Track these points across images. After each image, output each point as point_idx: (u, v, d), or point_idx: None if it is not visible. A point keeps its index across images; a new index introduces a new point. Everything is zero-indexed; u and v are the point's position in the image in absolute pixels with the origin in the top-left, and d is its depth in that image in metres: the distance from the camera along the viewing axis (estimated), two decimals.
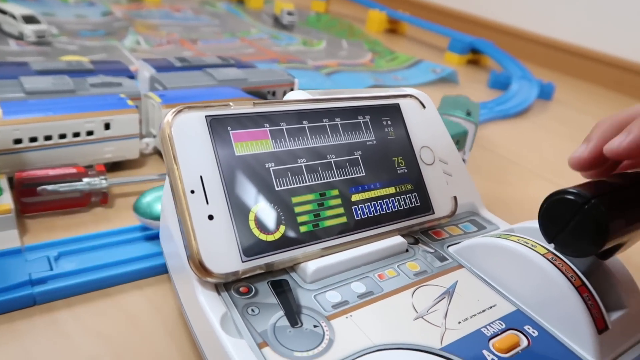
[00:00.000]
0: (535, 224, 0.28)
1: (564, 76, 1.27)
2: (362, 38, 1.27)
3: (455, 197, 0.33)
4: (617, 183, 0.25)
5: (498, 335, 0.24)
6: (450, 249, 0.30)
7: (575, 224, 0.23)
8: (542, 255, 0.26)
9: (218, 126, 0.26)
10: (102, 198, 0.40)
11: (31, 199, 0.37)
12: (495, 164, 0.64)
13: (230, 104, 0.27)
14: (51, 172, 0.38)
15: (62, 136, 0.42)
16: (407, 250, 0.30)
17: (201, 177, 0.24)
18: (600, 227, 0.22)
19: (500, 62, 1.09)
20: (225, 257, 0.24)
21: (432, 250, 0.30)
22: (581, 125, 0.89)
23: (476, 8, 1.52)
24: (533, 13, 1.37)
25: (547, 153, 0.72)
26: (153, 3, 1.28)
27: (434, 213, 0.32)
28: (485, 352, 0.23)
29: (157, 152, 0.51)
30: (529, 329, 0.25)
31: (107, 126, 0.44)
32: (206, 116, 0.26)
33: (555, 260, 0.25)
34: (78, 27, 0.96)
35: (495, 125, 0.79)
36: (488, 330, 0.24)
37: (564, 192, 0.23)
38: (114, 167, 0.47)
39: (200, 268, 0.23)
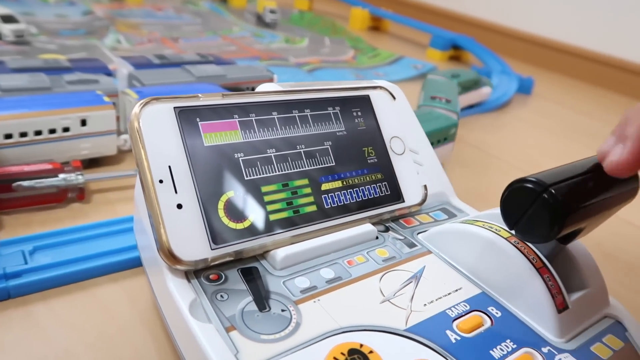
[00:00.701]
0: (499, 210, 0.28)
1: (543, 70, 1.29)
2: (344, 35, 1.28)
3: (425, 186, 0.34)
4: (576, 171, 0.25)
5: (462, 316, 0.25)
6: (420, 236, 0.31)
7: (533, 212, 0.24)
8: (505, 239, 0.26)
9: (186, 117, 0.26)
10: (79, 194, 0.41)
11: (7, 195, 0.38)
12: (475, 157, 0.65)
13: (199, 95, 0.27)
14: (26, 168, 0.38)
15: (38, 133, 0.42)
16: (377, 238, 0.30)
17: (170, 167, 0.25)
18: (556, 214, 0.23)
19: (480, 57, 1.10)
20: (194, 245, 0.24)
21: (401, 238, 0.31)
22: (559, 118, 0.91)
23: (457, 4, 1.53)
24: (512, 9, 1.39)
25: (526, 145, 0.74)
26: (135, 2, 1.27)
27: (404, 201, 0.32)
28: (448, 332, 0.24)
29: None
30: (492, 309, 0.26)
31: (83, 122, 0.44)
32: (174, 107, 0.26)
33: (518, 243, 0.26)
34: (58, 27, 0.96)
35: (475, 119, 0.80)
36: (452, 311, 0.25)
37: (523, 180, 0.24)
38: (91, 163, 0.47)
39: (169, 256, 0.23)
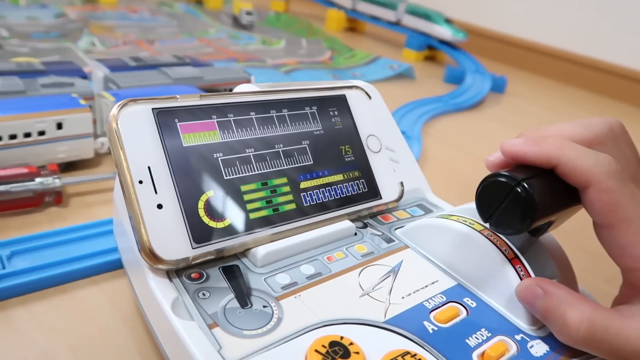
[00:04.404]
0: (474, 205, 0.29)
1: (515, 69, 1.32)
2: (321, 37, 1.29)
3: (402, 183, 0.34)
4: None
5: (439, 307, 0.26)
6: (397, 231, 0.32)
7: (507, 204, 0.24)
8: (479, 232, 0.27)
9: (165, 118, 0.26)
10: (56, 197, 0.40)
11: None
12: (449, 154, 0.67)
13: (177, 97, 0.27)
14: (2, 172, 0.38)
15: (13, 137, 0.41)
16: (355, 234, 0.31)
17: (149, 167, 0.25)
18: (528, 207, 0.24)
19: (455, 57, 1.12)
20: (175, 244, 0.24)
21: (379, 233, 0.31)
22: (531, 115, 0.93)
23: (431, 4, 1.56)
24: (485, 9, 1.42)
25: (499, 143, 0.75)
26: (108, 4, 1.26)
27: (381, 198, 0.33)
28: (426, 322, 0.24)
29: None
30: (468, 300, 0.26)
31: (59, 126, 0.43)
32: (153, 109, 0.26)
33: (491, 236, 0.27)
34: (30, 29, 0.94)
35: (450, 117, 0.82)
36: (429, 303, 0.26)
37: (497, 174, 0.25)
38: (69, 167, 0.46)
39: (151, 255, 0.24)
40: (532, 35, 1.32)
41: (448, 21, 1.17)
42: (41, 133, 0.43)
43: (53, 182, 0.39)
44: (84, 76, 0.55)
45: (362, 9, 1.37)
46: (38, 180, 0.39)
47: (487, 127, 0.81)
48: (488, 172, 0.27)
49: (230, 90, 0.61)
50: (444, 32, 1.15)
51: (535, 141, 0.24)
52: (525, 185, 0.23)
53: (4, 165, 0.41)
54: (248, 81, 0.62)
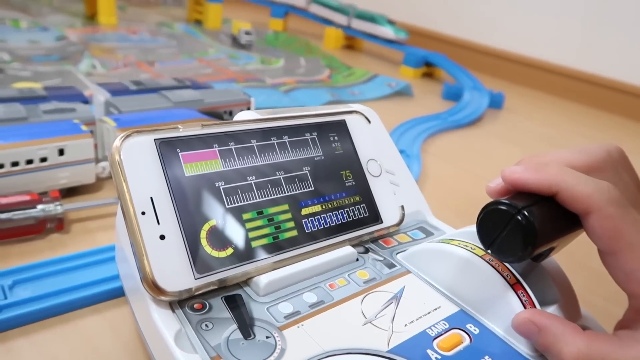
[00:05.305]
0: (474, 228, 0.29)
1: (512, 85, 1.33)
2: (319, 55, 1.30)
3: (402, 206, 0.35)
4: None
5: (442, 335, 0.26)
6: (399, 256, 0.32)
7: (508, 232, 0.24)
8: (480, 257, 0.27)
9: (167, 149, 0.27)
10: (58, 224, 0.40)
11: None
12: (449, 173, 0.67)
13: (179, 126, 0.28)
14: (3, 200, 0.38)
15: (15, 164, 0.41)
16: (357, 260, 0.31)
17: (151, 198, 0.25)
18: (529, 235, 0.24)
19: (452, 74, 1.13)
20: (178, 275, 0.24)
21: (381, 258, 0.31)
22: (530, 131, 0.93)
23: (428, 22, 1.57)
24: (482, 26, 1.43)
25: (499, 160, 0.76)
26: (109, 26, 1.27)
27: (382, 222, 0.33)
28: (429, 351, 0.24)
29: None
30: (470, 327, 0.26)
31: (61, 152, 0.44)
32: (155, 139, 0.26)
33: (492, 261, 0.27)
34: (31, 53, 0.95)
35: (449, 135, 0.82)
36: (432, 330, 0.26)
37: (497, 202, 0.25)
38: (70, 192, 0.47)
39: (154, 287, 0.24)
40: (528, 51, 1.34)
41: (391, 22, 1.33)
42: (43, 159, 0.43)
43: (55, 208, 0.40)
44: (85, 101, 0.55)
45: (316, 11, 1.50)
46: (40, 207, 0.39)
47: (486, 144, 0.82)
48: (487, 191, 0.27)
49: (231, 112, 0.61)
50: (387, 32, 1.30)
51: (536, 168, 0.25)
52: (526, 214, 0.23)
53: (5, 192, 0.41)
54: (248, 103, 0.62)
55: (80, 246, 0.39)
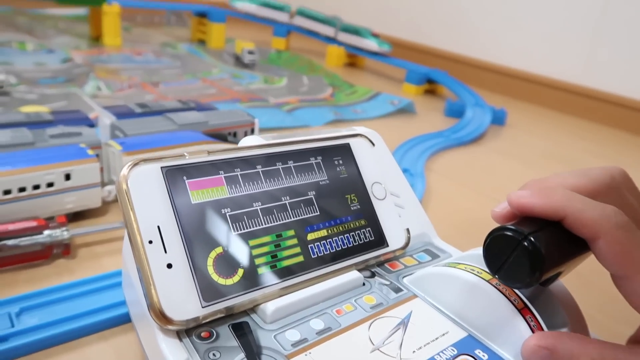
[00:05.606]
0: (480, 251, 0.29)
1: (513, 100, 1.33)
2: (321, 73, 1.31)
3: (408, 229, 0.35)
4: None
5: None
6: (405, 279, 0.32)
7: (515, 259, 0.24)
8: (487, 281, 0.27)
9: (173, 176, 0.27)
10: (64, 249, 0.41)
11: None
12: (453, 191, 0.67)
13: (185, 154, 0.28)
14: (11, 226, 0.38)
15: (22, 189, 0.42)
16: (363, 284, 0.31)
17: (158, 227, 0.25)
18: (536, 261, 0.24)
19: (454, 90, 1.14)
20: (185, 304, 0.24)
21: (387, 283, 0.31)
22: (533, 147, 0.94)
23: (429, 39, 1.59)
24: (482, 42, 1.45)
25: (502, 176, 0.76)
26: (113, 47, 1.29)
27: (388, 246, 0.33)
28: None
29: None
30: (479, 352, 0.26)
31: (67, 177, 0.44)
32: (161, 167, 0.27)
33: (500, 285, 0.27)
34: (37, 75, 0.96)
35: (452, 152, 0.82)
36: (441, 357, 0.26)
37: (503, 228, 0.25)
38: (76, 216, 0.47)
39: (161, 316, 0.24)
40: (528, 66, 1.34)
41: (374, 35, 1.40)
42: (50, 184, 0.43)
43: (62, 234, 0.40)
44: (91, 124, 0.56)
45: (301, 23, 1.54)
46: (47, 232, 0.39)
47: (489, 161, 0.82)
48: (493, 215, 0.27)
49: (235, 134, 0.62)
50: (371, 44, 1.37)
51: (542, 193, 0.25)
52: (533, 240, 0.23)
53: (12, 217, 0.41)
54: (252, 124, 0.63)
55: (87, 272, 0.39)
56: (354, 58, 1.50)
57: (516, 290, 0.27)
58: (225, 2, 1.66)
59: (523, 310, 0.26)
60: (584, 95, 1.24)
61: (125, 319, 0.34)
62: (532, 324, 0.26)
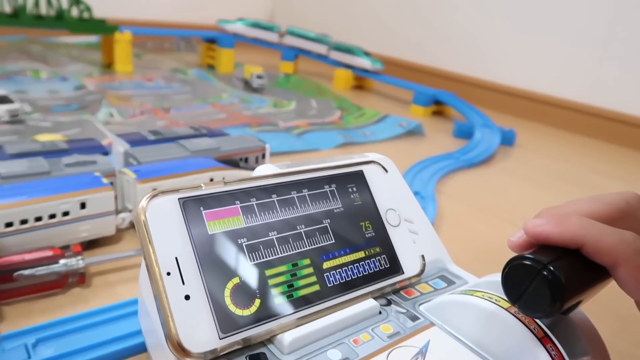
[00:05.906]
0: (498, 277, 0.29)
1: (521, 120, 1.34)
2: (330, 96, 1.32)
3: (422, 256, 0.34)
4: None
5: None
6: (422, 307, 0.32)
7: (534, 288, 0.24)
8: (506, 309, 0.27)
9: (190, 207, 0.27)
10: (80, 278, 0.41)
11: (7, 285, 0.38)
12: (464, 214, 0.67)
13: (202, 185, 0.28)
14: (27, 256, 0.39)
15: (38, 219, 0.42)
16: (380, 313, 0.31)
17: (176, 258, 0.25)
18: (557, 290, 0.23)
19: (462, 112, 1.14)
20: (203, 336, 0.24)
21: (404, 311, 0.31)
22: (543, 167, 0.93)
23: (436, 61, 1.60)
24: (489, 63, 1.45)
25: (513, 198, 0.75)
26: (125, 74, 1.31)
27: (403, 273, 0.33)
28: None
29: (134, 226, 0.52)
30: None
31: (82, 205, 0.44)
32: (179, 199, 0.27)
33: (518, 313, 0.27)
34: (51, 103, 0.98)
35: (462, 174, 0.82)
36: None
37: (522, 257, 0.25)
38: (90, 244, 0.47)
39: (179, 348, 0.24)
40: (536, 87, 1.35)
41: (367, 54, 1.44)
42: (65, 213, 0.44)
43: (77, 263, 0.40)
44: (105, 152, 0.56)
45: (292, 42, 1.58)
46: (62, 262, 0.40)
47: (500, 182, 0.82)
48: (510, 245, 0.27)
49: (247, 159, 0.62)
50: (364, 62, 1.42)
51: (558, 222, 0.25)
52: (552, 269, 0.23)
53: (29, 247, 0.42)
54: (263, 149, 0.63)
55: (101, 301, 0.39)
56: (361, 81, 1.51)
57: (536, 319, 0.27)
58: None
59: (543, 339, 0.26)
60: (592, 114, 1.24)
61: (141, 349, 0.34)
62: (553, 353, 0.26)
